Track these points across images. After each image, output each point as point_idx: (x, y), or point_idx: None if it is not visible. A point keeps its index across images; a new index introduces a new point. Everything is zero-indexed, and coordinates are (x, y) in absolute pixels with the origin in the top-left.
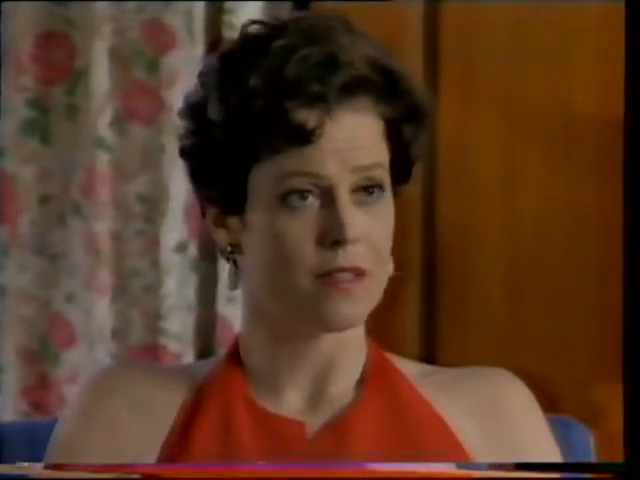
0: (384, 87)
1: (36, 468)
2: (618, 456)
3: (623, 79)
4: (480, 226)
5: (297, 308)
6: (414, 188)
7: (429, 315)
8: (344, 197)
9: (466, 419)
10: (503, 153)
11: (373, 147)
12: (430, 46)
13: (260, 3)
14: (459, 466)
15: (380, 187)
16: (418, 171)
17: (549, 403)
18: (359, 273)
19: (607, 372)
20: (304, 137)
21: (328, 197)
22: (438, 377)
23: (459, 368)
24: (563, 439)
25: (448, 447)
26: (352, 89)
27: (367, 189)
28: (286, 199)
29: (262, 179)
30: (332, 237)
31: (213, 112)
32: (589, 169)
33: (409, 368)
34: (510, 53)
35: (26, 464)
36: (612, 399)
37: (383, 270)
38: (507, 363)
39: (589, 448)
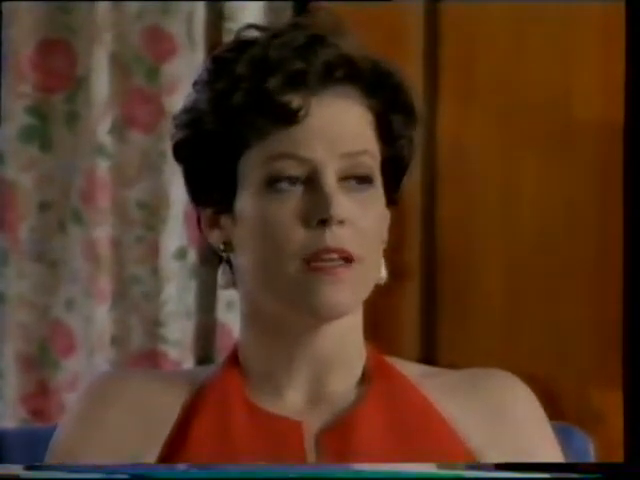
0: (372, 79)
1: (15, 468)
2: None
3: (623, 82)
4: (479, 230)
5: (287, 294)
6: (414, 191)
7: (429, 318)
8: (330, 179)
9: (469, 420)
10: (502, 157)
11: (362, 135)
12: (430, 47)
13: (261, 9)
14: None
15: (369, 179)
16: (415, 167)
17: (548, 408)
18: (347, 257)
19: (607, 378)
20: (289, 117)
21: (314, 180)
22: (440, 379)
23: (460, 370)
24: (563, 446)
25: (450, 447)
26: (336, 70)
27: (356, 179)
28: (273, 184)
29: (250, 164)
30: (318, 216)
31: (202, 102)
32: (588, 173)
33: (410, 370)
34: (510, 54)
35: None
36: (612, 405)
37: (373, 258)
38: (506, 367)
39: (589, 455)
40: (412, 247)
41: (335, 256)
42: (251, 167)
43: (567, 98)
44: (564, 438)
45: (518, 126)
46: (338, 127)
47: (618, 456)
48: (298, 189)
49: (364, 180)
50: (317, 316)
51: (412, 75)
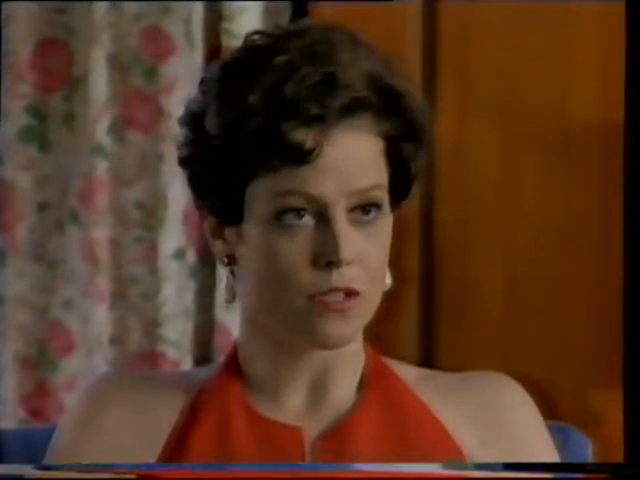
0: (384, 106)
1: (28, 469)
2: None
3: (623, 83)
4: (478, 233)
5: (290, 325)
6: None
7: (427, 321)
8: (340, 217)
9: (466, 424)
10: (501, 159)
11: (372, 168)
12: (428, 47)
13: (259, 10)
14: (448, 466)
15: (377, 206)
16: (417, 189)
17: (547, 410)
18: (352, 293)
19: (605, 379)
20: (301, 157)
21: (324, 217)
22: (437, 382)
23: (458, 373)
24: (562, 446)
25: (447, 451)
26: (350, 110)
27: (364, 208)
28: (281, 217)
29: (258, 195)
30: (326, 258)
31: (211, 125)
32: (588, 175)
33: (408, 373)
34: (509, 55)
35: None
36: (610, 406)
37: (377, 289)
38: (505, 369)
39: (587, 455)
40: (411, 251)
41: (341, 294)
42: (259, 198)
43: (566, 99)
44: (562, 439)
45: (517, 127)
46: (349, 164)
47: (616, 456)
48: (307, 224)
49: (373, 208)
50: (321, 348)
51: (410, 75)
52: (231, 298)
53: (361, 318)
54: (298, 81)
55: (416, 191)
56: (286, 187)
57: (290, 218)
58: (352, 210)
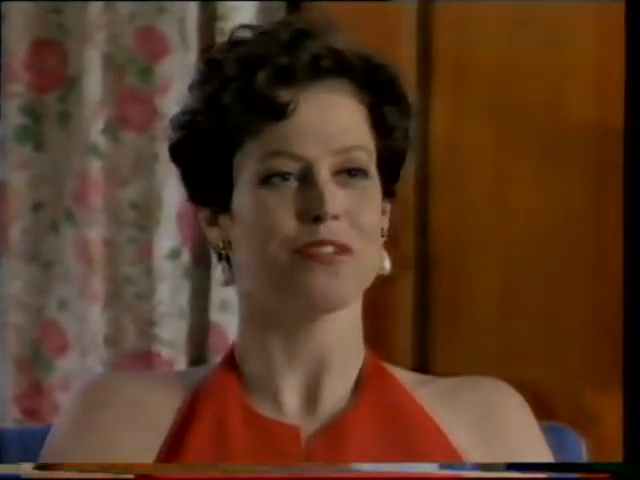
0: (363, 72)
1: (25, 468)
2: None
3: (620, 82)
4: (473, 233)
5: (281, 286)
6: (407, 193)
7: (422, 323)
8: (324, 175)
9: (461, 427)
10: (497, 156)
11: (355, 130)
12: (423, 48)
13: (254, 9)
14: (445, 466)
15: (363, 172)
16: (408, 168)
17: (543, 411)
18: (343, 249)
19: (600, 380)
20: (278, 112)
21: (308, 176)
22: (433, 386)
23: (454, 377)
24: (557, 446)
25: (443, 452)
26: (324, 63)
27: (349, 172)
28: (267, 180)
29: (244, 161)
30: (312, 212)
31: (195, 103)
32: (583, 175)
33: (404, 376)
34: (504, 54)
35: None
36: (605, 406)
37: (372, 251)
38: (500, 371)
39: (582, 455)
40: (405, 248)
41: (330, 248)
42: (245, 164)
43: (562, 99)
44: (557, 439)
45: (512, 126)
46: (330, 122)
47: (611, 457)
48: (292, 184)
49: (359, 173)
50: (312, 306)
51: (405, 75)
52: (228, 281)
53: (355, 279)
54: (269, 39)
55: (407, 171)
56: (270, 148)
57: (275, 180)
58: (338, 173)
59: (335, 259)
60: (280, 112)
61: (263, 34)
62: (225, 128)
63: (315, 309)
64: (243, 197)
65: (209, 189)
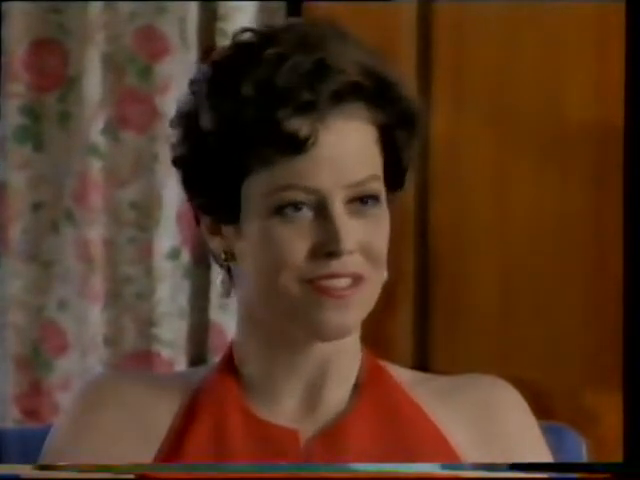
0: (376, 93)
1: (25, 469)
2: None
3: (620, 82)
4: (473, 233)
5: (290, 316)
6: (407, 196)
7: (422, 322)
8: (338, 208)
9: (460, 426)
10: (496, 160)
11: (367, 159)
12: (423, 47)
13: (254, 10)
14: (446, 467)
15: (375, 198)
16: (411, 178)
17: (542, 410)
18: (356, 279)
19: (600, 379)
20: (297, 146)
21: (322, 209)
22: (432, 384)
23: (453, 376)
24: (556, 446)
25: (441, 452)
26: (343, 96)
27: (362, 199)
28: (280, 211)
29: (255, 191)
30: (327, 248)
31: (205, 121)
32: (583, 175)
33: (402, 375)
34: (504, 56)
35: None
36: (605, 406)
37: (379, 277)
38: (500, 371)
39: (582, 455)
40: (405, 250)
41: (342, 281)
42: (256, 194)
43: (562, 99)
44: (557, 438)
45: (512, 128)
46: (345, 155)
47: (611, 457)
48: (306, 214)
49: (371, 200)
50: (321, 338)
51: (405, 76)
52: (227, 293)
53: (361, 308)
54: (289, 70)
55: (410, 182)
56: (283, 182)
57: (288, 211)
58: (350, 201)
59: (347, 291)
60: (299, 147)
61: (281, 58)
62: (236, 154)
63: (322, 340)
64: (254, 223)
65: (213, 203)
